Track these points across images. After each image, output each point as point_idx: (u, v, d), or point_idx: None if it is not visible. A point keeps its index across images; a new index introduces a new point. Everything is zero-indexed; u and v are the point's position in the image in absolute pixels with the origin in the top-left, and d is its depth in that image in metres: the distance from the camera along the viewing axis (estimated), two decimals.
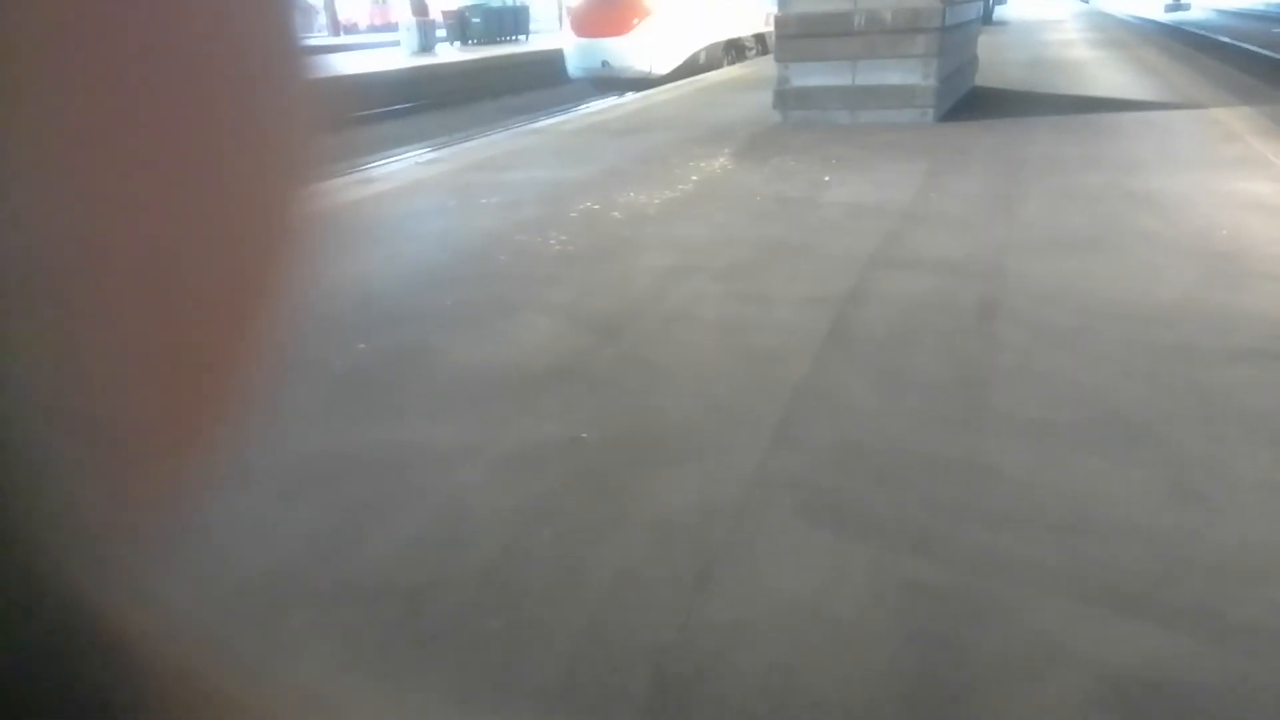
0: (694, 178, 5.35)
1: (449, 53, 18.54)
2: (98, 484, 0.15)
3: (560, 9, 16.46)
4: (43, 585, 0.14)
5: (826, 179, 5.08)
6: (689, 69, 13.16)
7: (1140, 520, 1.82)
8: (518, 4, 24.19)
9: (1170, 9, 28.35)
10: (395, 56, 16.88)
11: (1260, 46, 13.89)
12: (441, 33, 20.16)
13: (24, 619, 0.14)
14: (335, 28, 28.01)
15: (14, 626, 0.14)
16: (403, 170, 6.41)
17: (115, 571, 0.15)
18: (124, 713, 0.15)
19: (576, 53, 13.45)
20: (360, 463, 2.20)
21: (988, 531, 1.80)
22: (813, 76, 6.86)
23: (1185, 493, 1.91)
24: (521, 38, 22.21)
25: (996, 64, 9.94)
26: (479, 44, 20.61)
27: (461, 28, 20.98)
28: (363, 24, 29.64)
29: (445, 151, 7.04)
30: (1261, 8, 27.04)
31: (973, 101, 7.64)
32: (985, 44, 9.57)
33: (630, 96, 10.75)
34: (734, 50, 14.84)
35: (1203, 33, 17.61)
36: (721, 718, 1.41)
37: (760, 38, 15.05)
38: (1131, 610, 1.57)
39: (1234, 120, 6.25)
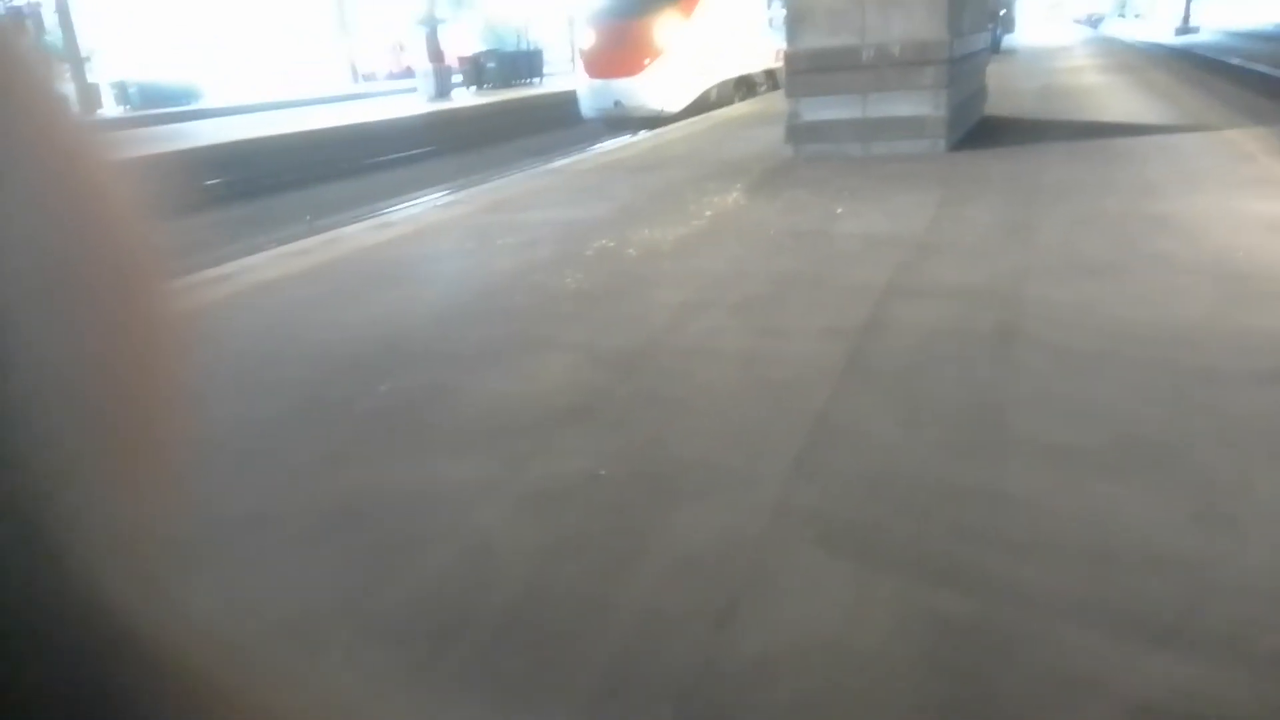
0: (708, 213, 5.39)
1: (465, 97, 18.86)
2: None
3: (573, 51, 16.71)
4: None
5: (840, 211, 5.10)
6: (700, 106, 13.32)
7: (1167, 546, 1.80)
8: (531, 48, 24.61)
9: (1180, 32, 28.35)
10: (412, 103, 17.19)
11: (1272, 68, 13.87)
12: (457, 78, 20.53)
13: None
14: (355, 76, 28.61)
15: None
16: (421, 213, 6.51)
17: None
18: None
19: (590, 93, 13.66)
20: (382, 502, 2.22)
21: (1012, 561, 1.79)
22: (823, 110, 6.92)
23: (1212, 517, 1.88)
24: (536, 80, 22.57)
25: (1006, 92, 9.99)
26: (494, 88, 20.96)
27: (477, 73, 21.35)
28: (381, 72, 30.21)
29: (463, 194, 7.14)
30: (1270, 28, 27.02)
31: (984, 130, 7.67)
32: (994, 73, 9.63)
33: (643, 135, 10.88)
34: (744, 87, 15.01)
35: (1213, 55, 17.61)
36: None
37: (770, 73, 15.22)
38: (1161, 639, 1.54)
39: (1248, 141, 6.24)
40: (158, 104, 20.92)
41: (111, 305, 0.20)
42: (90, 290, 0.19)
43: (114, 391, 0.19)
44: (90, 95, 19.66)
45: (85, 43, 20.21)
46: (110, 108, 21.11)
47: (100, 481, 0.18)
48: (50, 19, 18.44)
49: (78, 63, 19.33)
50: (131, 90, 21.58)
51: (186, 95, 22.55)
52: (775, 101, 9.34)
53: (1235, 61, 15.31)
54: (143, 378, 0.21)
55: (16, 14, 17.26)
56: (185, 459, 0.22)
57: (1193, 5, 30.76)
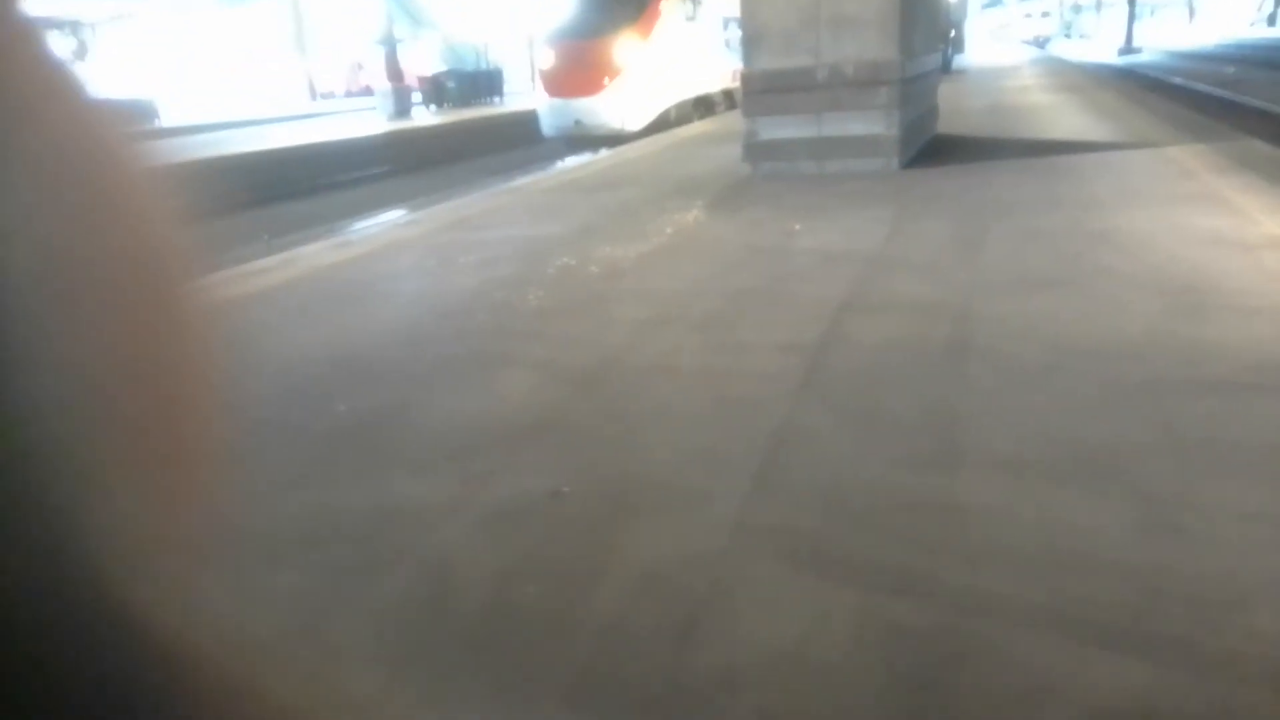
0: (668, 230, 5.43)
1: (425, 116, 18.80)
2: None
3: (533, 70, 16.75)
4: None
5: (797, 228, 5.17)
6: (660, 125, 13.44)
7: (1118, 554, 1.84)
8: (491, 67, 24.61)
9: (1123, 52, 29.25)
10: (372, 122, 17.09)
11: (1212, 86, 14.37)
12: (417, 97, 20.46)
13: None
14: (313, 95, 28.32)
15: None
16: (381, 232, 6.46)
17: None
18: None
19: (550, 112, 13.72)
20: (340, 524, 2.19)
21: (968, 571, 1.82)
22: (780, 129, 7.03)
23: (1161, 525, 1.93)
24: (496, 100, 22.58)
25: (957, 111, 10.22)
26: (454, 107, 20.92)
27: (437, 92, 21.30)
28: (339, 91, 29.97)
29: (423, 213, 7.10)
30: (1210, 48, 27.98)
31: (935, 148, 7.84)
32: (945, 92, 9.84)
33: (603, 154, 10.94)
34: (703, 106, 15.19)
35: (1156, 74, 18.19)
36: None
37: (728, 93, 15.41)
38: (1114, 644, 1.58)
39: (1189, 158, 6.44)
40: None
41: (135, 306, 0.20)
42: (112, 291, 0.19)
43: (133, 392, 0.19)
44: None
45: None
46: None
47: (112, 482, 0.18)
48: None
49: None
50: None
51: (143, 113, 22.24)
52: (733, 121, 9.46)
53: (1177, 81, 15.83)
54: (164, 378, 0.21)
55: None
56: (207, 461, 0.22)
57: (1135, 26, 31.76)
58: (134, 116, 21.63)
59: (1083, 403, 2.56)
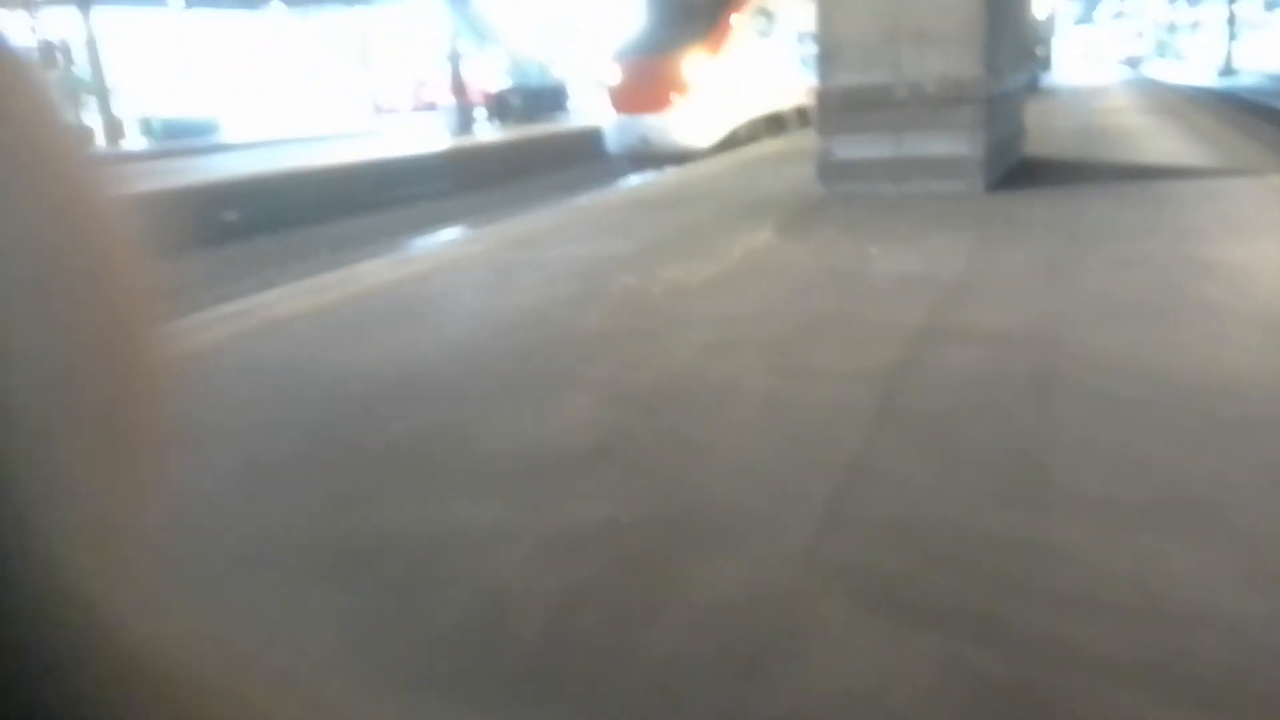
0: (736, 252, 5.35)
1: (489, 132, 19.10)
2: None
3: (597, 84, 16.80)
4: None
5: (873, 251, 5.04)
6: (729, 143, 13.35)
7: (1215, 605, 1.71)
8: (556, 83, 24.84)
9: (1222, 74, 28.09)
10: (436, 138, 17.45)
11: None
12: (481, 113, 20.81)
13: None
14: (376, 110, 28.86)
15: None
16: (442, 249, 6.52)
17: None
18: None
19: (616, 129, 13.72)
20: (395, 545, 2.16)
21: (1055, 618, 1.70)
22: (856, 149, 6.88)
23: (1261, 574, 1.79)
24: (561, 115, 22.81)
25: (1045, 132, 9.91)
26: (518, 122, 21.21)
27: (501, 107, 21.61)
28: (403, 107, 30.40)
29: (484, 229, 7.14)
30: None
31: (1021, 171, 7.58)
32: (1033, 112, 9.56)
33: (671, 171, 10.91)
34: (774, 124, 15.03)
35: (1257, 98, 17.38)
36: None
37: (801, 111, 15.23)
38: (1212, 703, 1.46)
39: None
40: (179, 138, 21.54)
41: (97, 338, 0.20)
42: (75, 325, 0.19)
43: (100, 422, 0.20)
44: (115, 127, 20.38)
45: (112, 77, 20.79)
46: (135, 140, 21.73)
47: (89, 513, 0.18)
48: (80, 54, 19.12)
49: (104, 96, 19.97)
50: (155, 124, 22.33)
51: (206, 129, 23.24)
52: (806, 140, 9.33)
53: (1278, 105, 15.09)
54: (130, 415, 0.21)
55: (48, 48, 17.87)
56: (171, 495, 0.22)
57: (1235, 48, 30.50)
58: (198, 132, 22.62)
59: (1179, 441, 2.41)
